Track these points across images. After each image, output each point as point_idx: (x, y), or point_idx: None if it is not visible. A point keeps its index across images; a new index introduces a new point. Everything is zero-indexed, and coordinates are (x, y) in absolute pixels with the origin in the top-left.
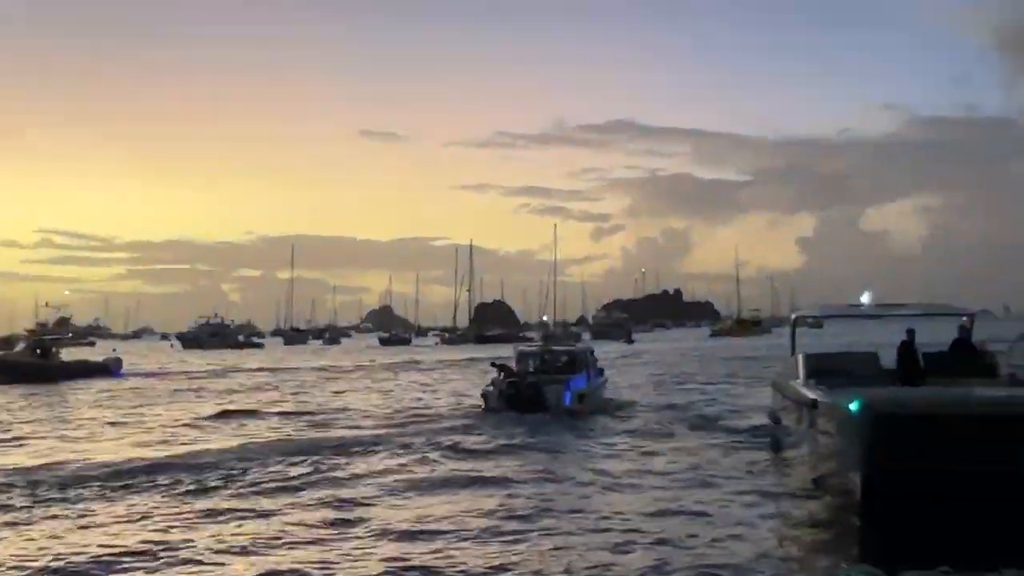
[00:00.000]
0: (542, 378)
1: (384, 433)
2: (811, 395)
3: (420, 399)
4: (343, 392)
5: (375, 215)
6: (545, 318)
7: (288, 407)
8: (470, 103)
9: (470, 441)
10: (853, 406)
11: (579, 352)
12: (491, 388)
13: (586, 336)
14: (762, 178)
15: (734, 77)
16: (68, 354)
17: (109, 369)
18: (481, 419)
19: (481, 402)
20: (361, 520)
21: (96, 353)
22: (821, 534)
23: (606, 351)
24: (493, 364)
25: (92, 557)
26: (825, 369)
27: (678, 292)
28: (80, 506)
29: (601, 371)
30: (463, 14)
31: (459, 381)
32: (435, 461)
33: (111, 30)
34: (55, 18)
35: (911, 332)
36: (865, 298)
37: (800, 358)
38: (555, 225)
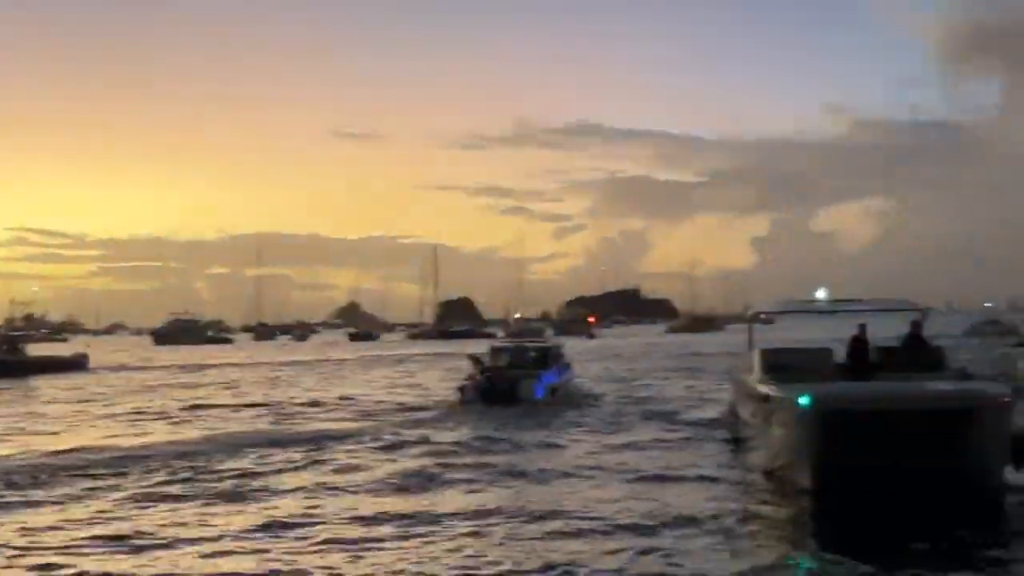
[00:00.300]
0: (516, 372)
1: (360, 427)
2: (764, 389)
3: (394, 393)
4: (316, 387)
5: (343, 213)
6: (517, 315)
7: (261, 400)
8: (437, 104)
9: (448, 434)
10: (803, 400)
11: (550, 347)
12: (467, 382)
13: (549, 332)
14: (718, 179)
15: (693, 80)
16: (40, 350)
17: (77, 364)
18: (458, 412)
19: (458, 395)
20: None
21: (68, 349)
22: (770, 526)
23: (569, 346)
24: (469, 357)
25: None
26: (781, 364)
27: (636, 290)
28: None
29: (569, 365)
30: (430, 16)
31: (427, 375)
32: (411, 454)
33: (80, 29)
34: (22, 17)
35: (862, 327)
36: (821, 294)
37: (756, 353)
38: (519, 226)
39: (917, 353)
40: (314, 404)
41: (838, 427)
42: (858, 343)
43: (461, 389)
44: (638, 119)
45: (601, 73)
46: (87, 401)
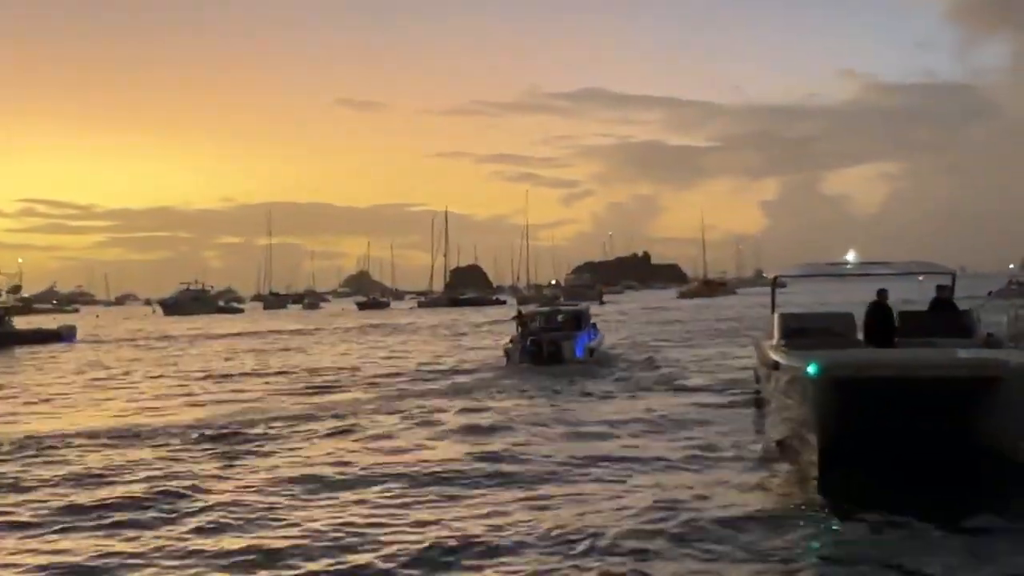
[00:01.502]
0: (556, 335)
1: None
2: (775, 356)
3: (436, 357)
4: (347, 352)
5: (352, 182)
6: (527, 282)
7: (293, 368)
8: (445, 72)
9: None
10: (811, 369)
11: (582, 311)
12: (511, 345)
13: (560, 297)
14: (729, 144)
15: (705, 45)
16: (53, 320)
17: (61, 336)
18: (508, 372)
19: (504, 357)
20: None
21: (78, 320)
22: (775, 497)
23: None
24: (516, 316)
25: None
26: (800, 329)
27: (646, 255)
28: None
29: (597, 328)
30: None
31: (447, 343)
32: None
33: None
34: None
35: (883, 292)
36: (851, 256)
37: (776, 318)
38: (526, 191)
39: (944, 318)
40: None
41: (847, 396)
42: (878, 308)
43: (507, 352)
44: (648, 85)
45: (610, 39)
46: (62, 375)
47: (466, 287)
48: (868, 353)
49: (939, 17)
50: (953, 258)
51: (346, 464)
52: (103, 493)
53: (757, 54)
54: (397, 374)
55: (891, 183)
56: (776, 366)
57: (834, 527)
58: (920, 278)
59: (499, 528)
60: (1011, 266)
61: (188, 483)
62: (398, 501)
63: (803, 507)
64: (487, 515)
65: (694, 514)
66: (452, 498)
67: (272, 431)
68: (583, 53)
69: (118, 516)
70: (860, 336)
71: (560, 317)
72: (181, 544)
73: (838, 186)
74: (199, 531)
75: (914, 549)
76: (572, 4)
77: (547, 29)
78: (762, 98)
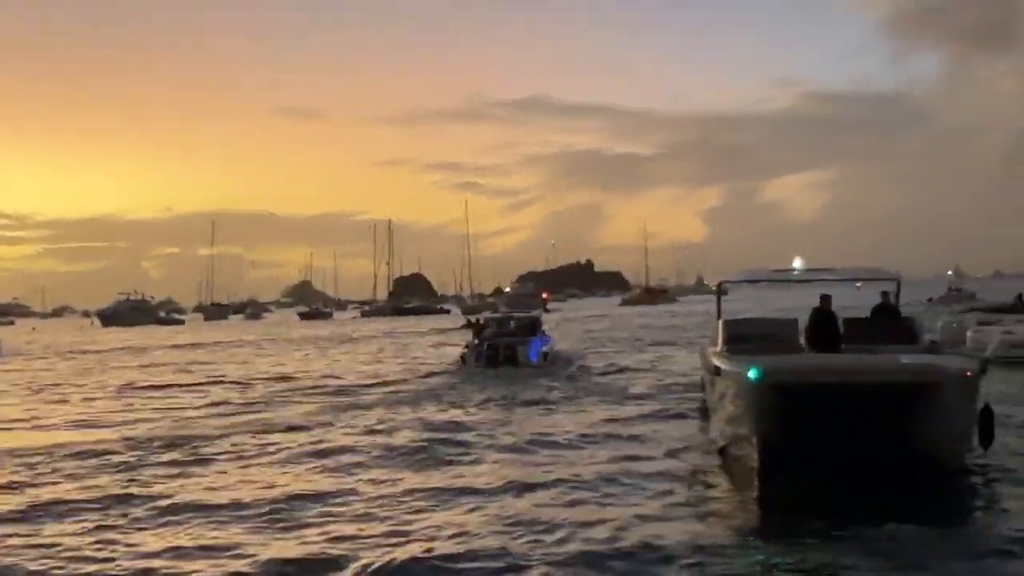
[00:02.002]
0: (512, 340)
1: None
2: (716, 362)
3: (374, 366)
4: (289, 362)
5: (294, 191)
6: (471, 291)
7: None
8: (386, 80)
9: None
10: (751, 374)
11: (535, 318)
12: (466, 350)
13: (503, 306)
14: (670, 152)
15: (645, 53)
16: None
17: None
18: (469, 375)
19: (460, 362)
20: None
21: (11, 333)
22: (718, 504)
23: None
24: (468, 323)
25: None
26: (745, 335)
27: (590, 263)
28: None
29: (548, 334)
30: None
31: (394, 350)
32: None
33: (23, 11)
34: None
35: (826, 297)
36: (797, 263)
37: (720, 324)
38: (466, 200)
39: (887, 325)
40: (377, 378)
41: (788, 401)
42: (822, 314)
43: (463, 357)
44: (589, 93)
45: (551, 47)
46: None
47: (410, 296)
48: (809, 358)
49: (873, 27)
50: (889, 265)
51: (259, 490)
52: None
53: (697, 63)
54: (342, 384)
55: (828, 190)
56: (718, 371)
57: (775, 538)
58: (858, 285)
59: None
60: (949, 273)
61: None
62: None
63: (742, 520)
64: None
65: (634, 538)
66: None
67: (194, 450)
68: (525, 61)
69: None
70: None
71: (513, 323)
72: None
73: (777, 194)
74: None
75: (852, 554)
76: (514, 12)
77: (489, 37)
78: (702, 107)
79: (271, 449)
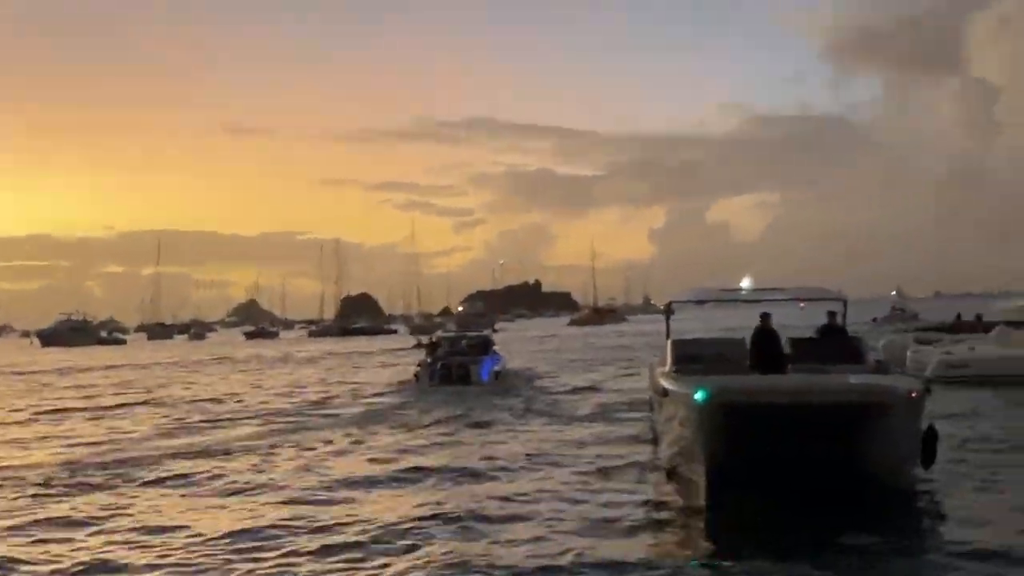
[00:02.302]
0: (464, 359)
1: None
2: (664, 383)
3: (322, 387)
4: (233, 384)
5: (239, 210)
6: (419, 311)
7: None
8: (332, 98)
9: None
10: (698, 395)
11: (487, 337)
12: (420, 369)
13: (451, 327)
14: (616, 173)
15: (590, 75)
16: None
17: None
18: (417, 395)
19: (414, 380)
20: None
21: None
22: (667, 526)
23: None
24: (420, 344)
25: None
26: (694, 355)
27: (537, 283)
28: None
29: (499, 353)
30: (325, 9)
31: (342, 370)
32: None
33: None
34: None
35: (766, 316)
36: (745, 282)
37: (669, 344)
38: (413, 220)
39: (834, 344)
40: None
41: (735, 422)
42: (763, 333)
43: (416, 375)
44: (536, 114)
45: (498, 68)
46: None
47: (357, 316)
48: (757, 379)
49: (814, 53)
50: (832, 285)
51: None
52: None
53: (642, 85)
54: (285, 407)
55: (772, 211)
56: (665, 393)
57: (723, 559)
58: (802, 305)
59: None
60: (892, 293)
61: None
62: None
63: (690, 542)
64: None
65: (583, 560)
66: None
67: (112, 479)
68: (472, 82)
69: None
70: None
71: (465, 343)
72: None
73: (722, 215)
74: None
75: (801, 573)
76: (461, 33)
77: (437, 57)
78: (648, 128)
79: (204, 476)
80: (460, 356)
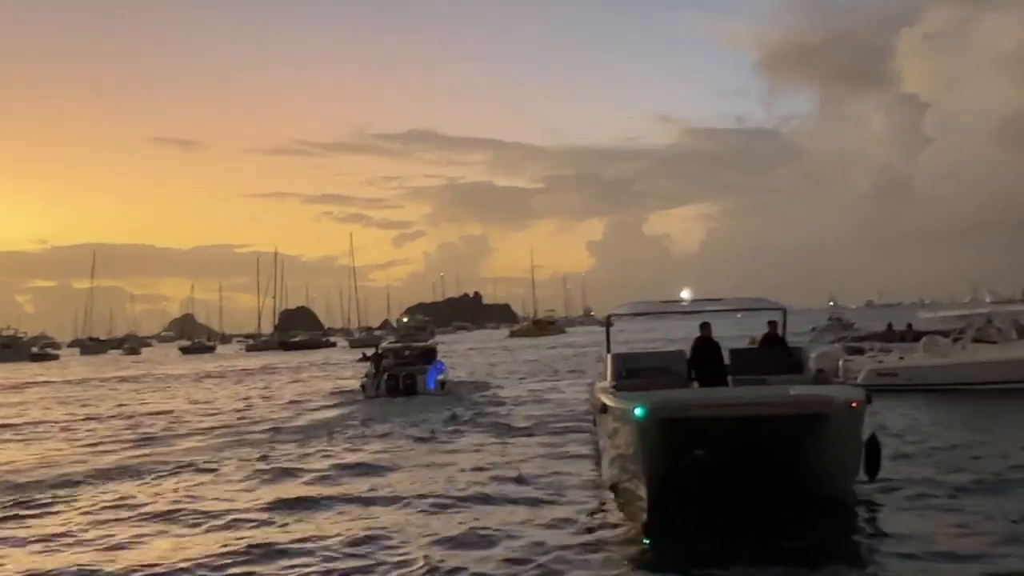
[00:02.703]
0: (410, 369)
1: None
2: (604, 399)
3: (262, 402)
4: (167, 399)
5: (175, 223)
6: (359, 324)
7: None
8: (266, 111)
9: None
10: (637, 410)
11: (432, 347)
12: (367, 379)
13: (392, 339)
14: (554, 185)
15: (526, 88)
16: None
17: None
18: (370, 403)
19: (361, 391)
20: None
21: None
22: (610, 542)
23: None
24: (366, 356)
25: None
26: (634, 369)
27: (478, 295)
28: None
29: (443, 363)
30: (260, 20)
31: (280, 384)
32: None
33: None
34: None
35: (706, 325)
36: (685, 294)
37: (608, 359)
38: (351, 234)
39: (774, 355)
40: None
41: (675, 437)
42: (704, 344)
43: (363, 386)
44: (474, 127)
45: (435, 82)
46: None
47: (296, 329)
48: (695, 392)
49: (749, 67)
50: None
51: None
52: None
53: (579, 98)
54: (224, 422)
55: (709, 223)
56: (605, 409)
57: (664, 573)
58: (739, 315)
59: None
60: (831, 303)
61: None
62: None
63: (632, 556)
64: None
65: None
66: None
67: (32, 498)
68: (409, 95)
69: None
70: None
71: (408, 352)
72: None
73: (660, 227)
74: None
75: None
76: (398, 46)
77: (374, 71)
78: (585, 141)
79: (134, 500)
80: (406, 366)
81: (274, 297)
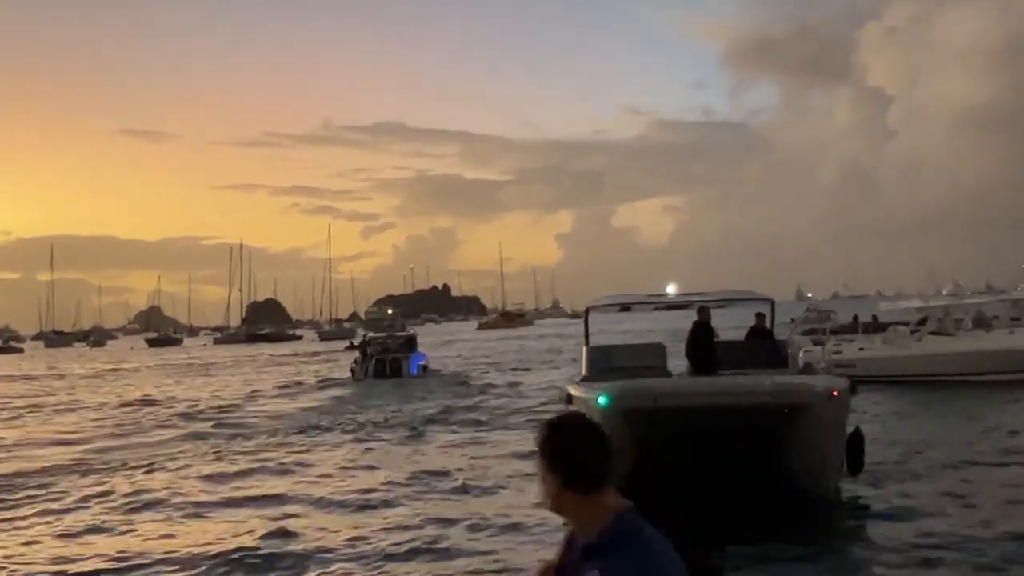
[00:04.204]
0: (395, 356)
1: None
2: (569, 390)
3: (238, 393)
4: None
5: (140, 214)
6: (329, 316)
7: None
8: (234, 102)
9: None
10: (601, 400)
11: (412, 336)
12: (356, 365)
13: (360, 331)
14: (523, 178)
15: (495, 81)
16: None
17: None
18: (361, 385)
19: (350, 375)
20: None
21: None
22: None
23: None
24: (353, 345)
25: None
26: (609, 362)
27: (446, 287)
28: None
29: (422, 351)
30: (228, 11)
31: (254, 376)
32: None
33: None
34: None
35: (704, 310)
36: (671, 288)
37: (584, 351)
38: (329, 224)
39: (761, 347)
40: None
41: (641, 428)
42: (701, 327)
43: (353, 371)
44: (442, 120)
45: (404, 74)
46: None
47: (264, 322)
48: (664, 381)
49: (716, 60)
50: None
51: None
52: None
53: (547, 90)
54: (193, 412)
55: (677, 215)
56: (570, 399)
57: None
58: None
59: None
60: (808, 295)
61: None
62: None
63: None
64: None
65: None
66: None
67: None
68: (377, 87)
69: None
70: (676, 363)
71: (393, 342)
72: None
73: (628, 219)
74: None
75: None
76: (367, 38)
77: (342, 63)
78: (553, 133)
79: (96, 494)
80: (392, 353)
81: (240, 290)
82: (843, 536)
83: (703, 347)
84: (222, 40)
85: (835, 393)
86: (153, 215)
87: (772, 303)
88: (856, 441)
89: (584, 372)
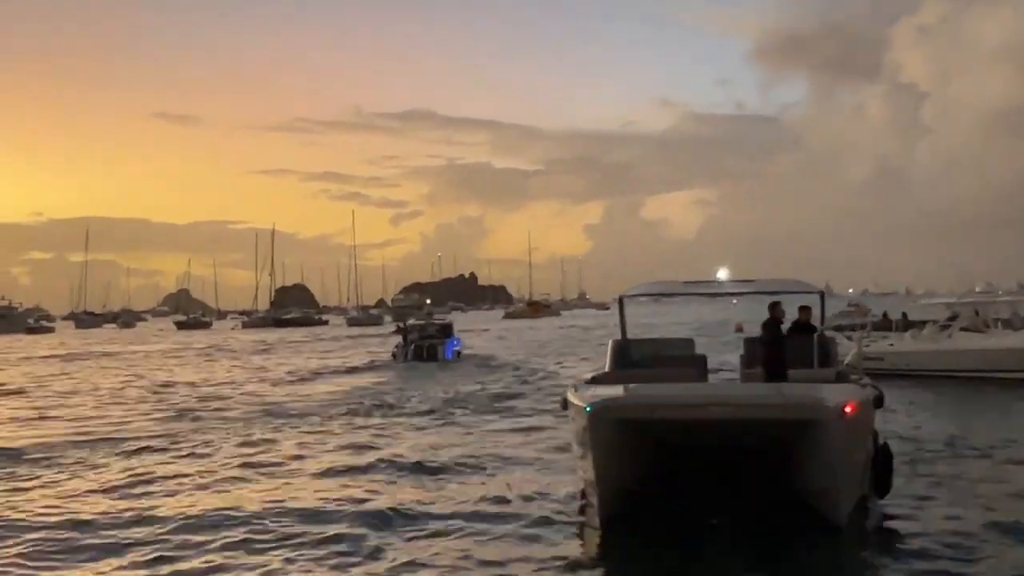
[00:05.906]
0: (432, 341)
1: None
2: (567, 395)
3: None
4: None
5: (171, 198)
6: (356, 302)
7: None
8: (266, 88)
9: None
10: (588, 408)
11: (449, 323)
12: (396, 349)
13: (387, 318)
14: (553, 168)
15: (527, 70)
16: None
17: None
18: (399, 367)
19: (392, 358)
20: None
21: None
22: (572, 553)
23: None
24: (398, 329)
25: None
26: (635, 356)
27: (473, 276)
28: None
29: (458, 337)
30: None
31: (278, 360)
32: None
33: None
34: None
35: (776, 306)
36: (722, 274)
37: (610, 344)
38: (352, 211)
39: (801, 345)
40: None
41: (632, 440)
42: (774, 327)
43: (394, 355)
44: (473, 108)
45: (436, 62)
46: None
47: (291, 306)
48: (659, 388)
49: (747, 54)
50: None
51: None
52: None
53: (578, 81)
54: (235, 400)
55: (706, 208)
56: (565, 405)
57: None
58: (734, 300)
59: None
60: (850, 291)
61: None
62: None
63: (585, 570)
64: None
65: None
66: None
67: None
68: (408, 74)
69: None
70: (699, 362)
71: (431, 328)
72: None
73: (658, 211)
74: None
75: None
76: (399, 26)
77: (374, 49)
78: (584, 124)
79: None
80: (429, 339)
81: (270, 274)
82: (854, 535)
83: (775, 349)
84: (255, 26)
85: (847, 409)
86: (183, 199)
87: (822, 295)
88: (883, 459)
89: (608, 366)
